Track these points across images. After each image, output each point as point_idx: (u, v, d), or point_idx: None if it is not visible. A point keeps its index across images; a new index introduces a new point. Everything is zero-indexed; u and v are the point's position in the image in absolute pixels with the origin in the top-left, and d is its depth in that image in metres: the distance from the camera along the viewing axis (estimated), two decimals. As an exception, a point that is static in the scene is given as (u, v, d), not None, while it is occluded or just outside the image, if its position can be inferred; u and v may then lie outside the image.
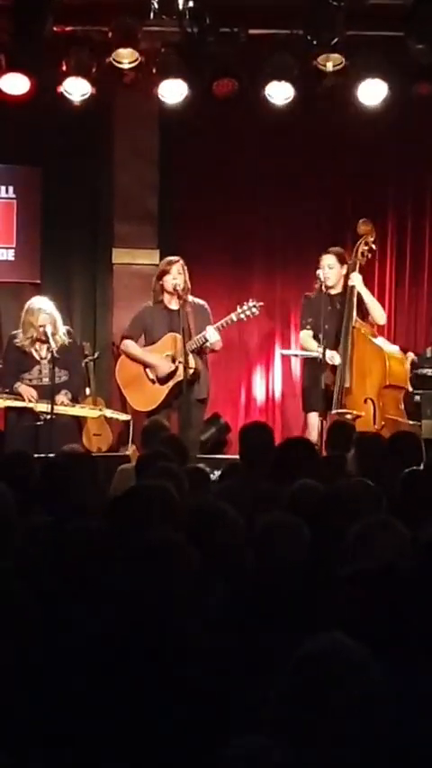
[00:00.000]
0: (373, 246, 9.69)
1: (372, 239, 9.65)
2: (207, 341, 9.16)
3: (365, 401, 9.36)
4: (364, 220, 9.74)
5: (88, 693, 3.02)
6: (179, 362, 9.12)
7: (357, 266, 9.59)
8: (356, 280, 9.52)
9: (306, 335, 9.59)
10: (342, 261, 9.57)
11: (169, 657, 3.02)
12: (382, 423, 9.24)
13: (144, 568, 3.35)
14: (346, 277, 9.55)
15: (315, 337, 9.45)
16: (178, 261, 9.34)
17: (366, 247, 9.64)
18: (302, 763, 2.10)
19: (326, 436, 8.00)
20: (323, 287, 9.47)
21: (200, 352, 9.28)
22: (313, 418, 9.38)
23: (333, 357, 9.34)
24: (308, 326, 9.56)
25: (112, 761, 2.83)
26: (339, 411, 9.23)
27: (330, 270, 9.51)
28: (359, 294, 9.53)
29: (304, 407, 9.67)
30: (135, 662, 3.03)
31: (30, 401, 9.04)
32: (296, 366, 10.82)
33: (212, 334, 9.17)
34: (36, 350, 9.14)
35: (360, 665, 2.31)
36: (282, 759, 2.11)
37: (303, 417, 9.67)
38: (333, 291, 9.53)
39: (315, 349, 9.35)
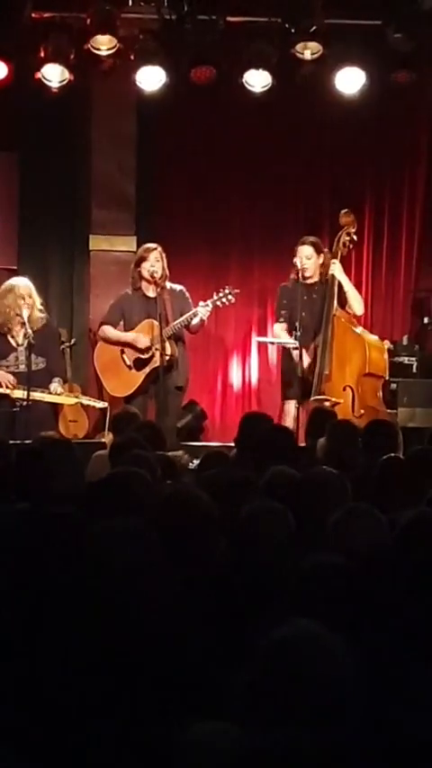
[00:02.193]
0: (355, 237, 9.70)
1: (353, 230, 9.66)
2: (198, 316, 9.13)
3: (344, 389, 9.36)
4: (346, 211, 9.74)
5: (61, 678, 3.00)
6: (156, 349, 9.11)
7: (339, 256, 9.58)
8: (336, 269, 9.51)
9: (279, 329, 9.60)
10: (318, 251, 9.56)
11: (131, 644, 3.00)
12: (362, 411, 9.24)
13: (101, 555, 3.36)
14: (323, 266, 9.54)
15: (289, 330, 9.46)
16: (156, 248, 9.32)
17: (348, 238, 9.65)
18: (262, 746, 2.11)
19: (306, 424, 7.98)
20: (301, 276, 9.45)
21: (177, 339, 9.27)
22: (290, 406, 9.38)
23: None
24: (281, 319, 9.56)
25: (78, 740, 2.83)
26: (318, 398, 9.23)
27: (308, 260, 9.50)
28: (339, 283, 9.52)
29: (283, 396, 9.66)
30: (101, 650, 3.04)
31: (7, 387, 9.00)
32: (273, 353, 10.81)
33: (204, 312, 9.15)
34: (13, 336, 9.10)
35: (327, 650, 2.34)
36: (239, 743, 2.12)
37: (280, 405, 9.66)
38: (310, 281, 9.52)
39: (287, 342, 9.36)
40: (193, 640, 3.10)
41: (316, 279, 9.53)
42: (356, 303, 9.69)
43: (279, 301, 9.68)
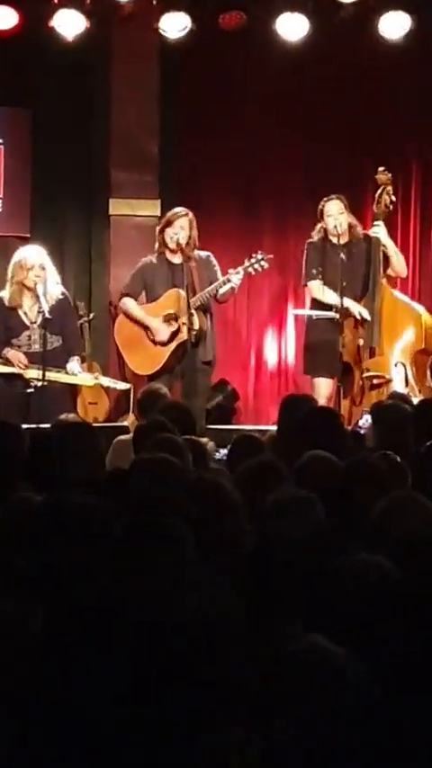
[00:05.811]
0: (393, 198, 9.59)
1: (391, 189, 9.55)
2: (229, 283, 9.07)
3: (396, 365, 9.28)
4: (383, 169, 9.58)
5: (84, 668, 3.07)
6: (182, 323, 9.07)
7: (382, 217, 9.47)
8: (381, 231, 9.40)
9: (317, 286, 9.37)
10: (346, 207, 9.41)
11: (156, 637, 3.02)
12: (416, 389, 9.14)
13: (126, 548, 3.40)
14: (351, 226, 9.38)
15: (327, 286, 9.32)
16: (186, 214, 9.22)
17: (388, 198, 9.52)
18: (283, 753, 2.29)
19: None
20: (336, 235, 9.28)
21: (205, 310, 9.21)
22: (322, 384, 9.25)
23: (361, 312, 9.22)
24: (319, 276, 9.40)
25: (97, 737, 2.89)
26: (367, 375, 9.15)
27: (341, 215, 9.33)
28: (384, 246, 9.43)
29: (308, 370, 9.53)
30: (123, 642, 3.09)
31: (19, 367, 8.99)
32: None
33: (236, 279, 9.08)
34: (25, 312, 9.08)
35: (336, 671, 2.50)
36: (261, 748, 2.28)
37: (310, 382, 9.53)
38: (341, 240, 9.28)
39: (331, 301, 9.21)
40: (225, 639, 3.11)
41: (347, 238, 9.37)
42: (402, 265, 9.58)
43: (310, 258, 9.43)
